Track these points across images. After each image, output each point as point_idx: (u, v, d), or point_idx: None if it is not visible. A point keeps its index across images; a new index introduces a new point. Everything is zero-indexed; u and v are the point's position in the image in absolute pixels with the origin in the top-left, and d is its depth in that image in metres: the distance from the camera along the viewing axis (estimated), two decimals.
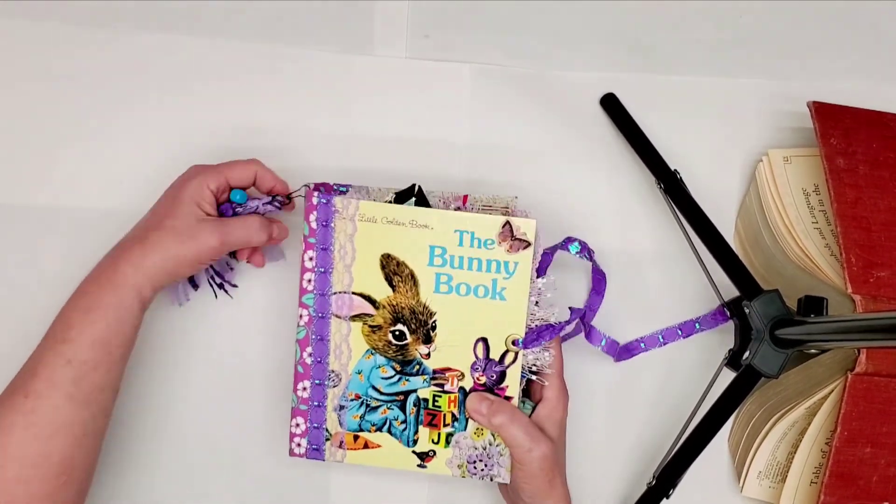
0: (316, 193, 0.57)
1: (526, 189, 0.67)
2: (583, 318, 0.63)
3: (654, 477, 0.60)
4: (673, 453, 0.60)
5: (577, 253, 0.60)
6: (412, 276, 0.57)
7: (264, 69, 0.66)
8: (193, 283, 0.63)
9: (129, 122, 0.65)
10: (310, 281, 0.58)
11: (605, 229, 0.67)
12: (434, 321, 0.58)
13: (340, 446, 0.59)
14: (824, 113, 0.62)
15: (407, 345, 0.58)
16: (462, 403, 0.58)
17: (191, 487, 0.64)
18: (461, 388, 0.58)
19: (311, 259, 0.58)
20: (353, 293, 0.58)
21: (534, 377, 0.58)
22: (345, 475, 0.65)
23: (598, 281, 0.63)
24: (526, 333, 0.57)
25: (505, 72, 0.68)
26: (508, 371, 0.57)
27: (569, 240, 0.60)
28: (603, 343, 0.63)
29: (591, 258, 0.61)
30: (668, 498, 0.60)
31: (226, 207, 0.59)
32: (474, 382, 0.58)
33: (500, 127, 0.67)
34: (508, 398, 0.58)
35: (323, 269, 0.58)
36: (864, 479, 0.58)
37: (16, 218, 0.64)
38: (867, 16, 0.70)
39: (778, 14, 0.70)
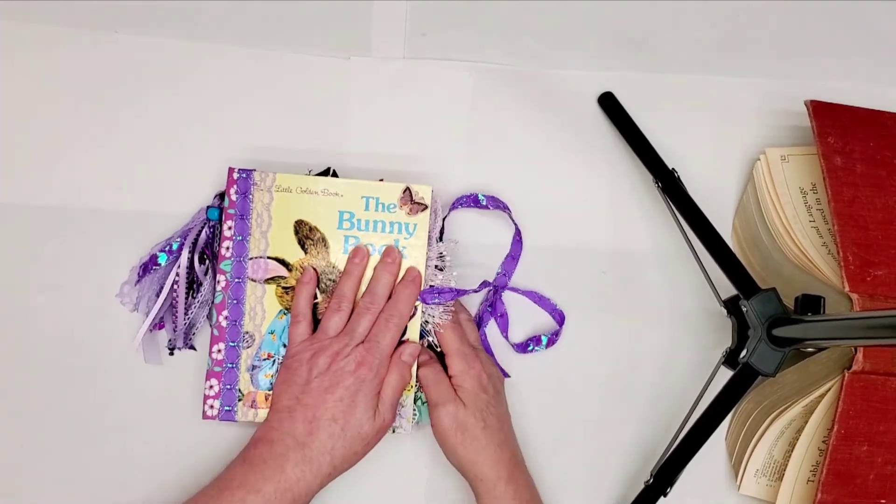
0: (237, 169, 0.61)
1: (524, 187, 0.67)
2: (495, 291, 0.65)
3: (651, 475, 0.60)
4: (670, 452, 0.60)
5: (486, 205, 0.64)
6: (323, 239, 0.61)
7: (261, 71, 0.66)
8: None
9: (128, 124, 0.65)
10: (228, 248, 0.61)
11: (602, 228, 0.67)
12: None
13: (252, 406, 0.60)
14: (822, 112, 0.62)
15: (317, 304, 0.60)
16: None
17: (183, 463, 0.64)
18: None
19: (230, 228, 0.61)
20: (269, 258, 0.61)
21: (431, 337, 0.61)
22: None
23: (516, 243, 0.65)
24: (427, 290, 0.61)
25: (503, 71, 0.68)
26: (409, 323, 0.60)
27: (474, 197, 0.65)
28: (499, 315, 0.65)
29: (504, 209, 0.64)
30: (665, 496, 0.60)
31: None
32: None
33: (498, 125, 0.67)
34: None
35: (241, 237, 0.61)
36: (860, 477, 0.58)
37: (16, 218, 0.64)
38: (865, 15, 0.70)
39: (775, 13, 0.70)
